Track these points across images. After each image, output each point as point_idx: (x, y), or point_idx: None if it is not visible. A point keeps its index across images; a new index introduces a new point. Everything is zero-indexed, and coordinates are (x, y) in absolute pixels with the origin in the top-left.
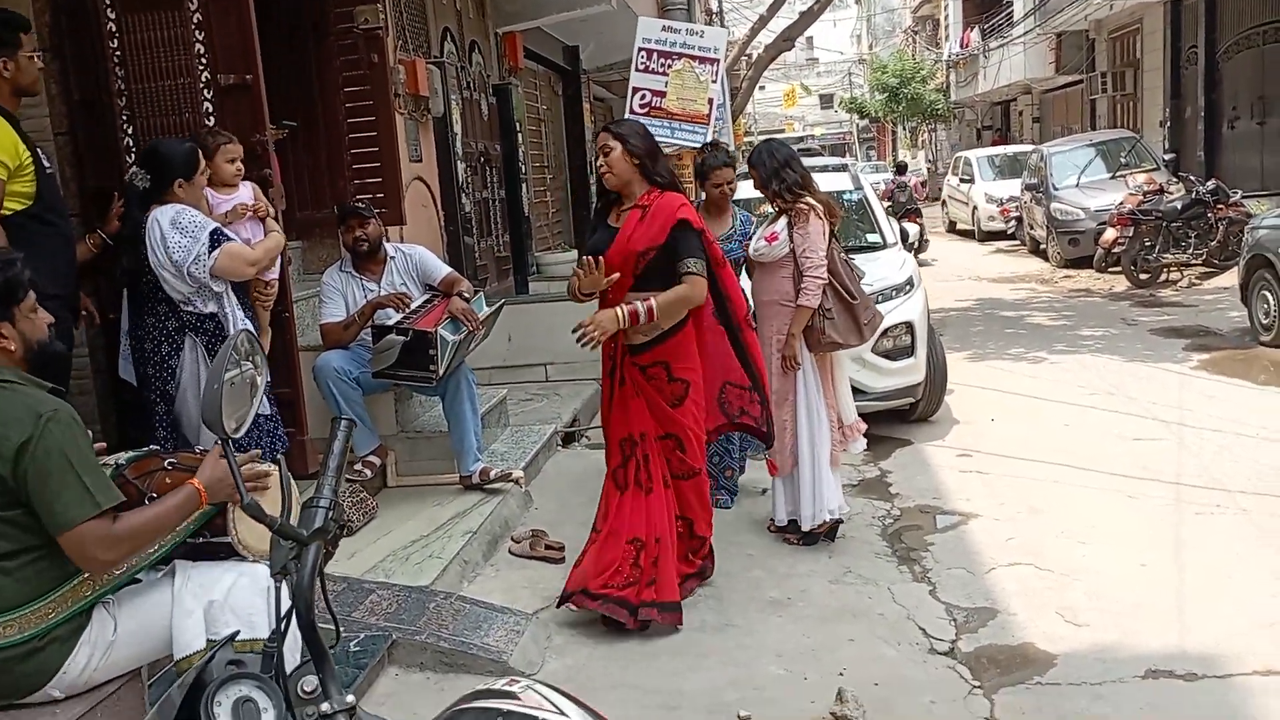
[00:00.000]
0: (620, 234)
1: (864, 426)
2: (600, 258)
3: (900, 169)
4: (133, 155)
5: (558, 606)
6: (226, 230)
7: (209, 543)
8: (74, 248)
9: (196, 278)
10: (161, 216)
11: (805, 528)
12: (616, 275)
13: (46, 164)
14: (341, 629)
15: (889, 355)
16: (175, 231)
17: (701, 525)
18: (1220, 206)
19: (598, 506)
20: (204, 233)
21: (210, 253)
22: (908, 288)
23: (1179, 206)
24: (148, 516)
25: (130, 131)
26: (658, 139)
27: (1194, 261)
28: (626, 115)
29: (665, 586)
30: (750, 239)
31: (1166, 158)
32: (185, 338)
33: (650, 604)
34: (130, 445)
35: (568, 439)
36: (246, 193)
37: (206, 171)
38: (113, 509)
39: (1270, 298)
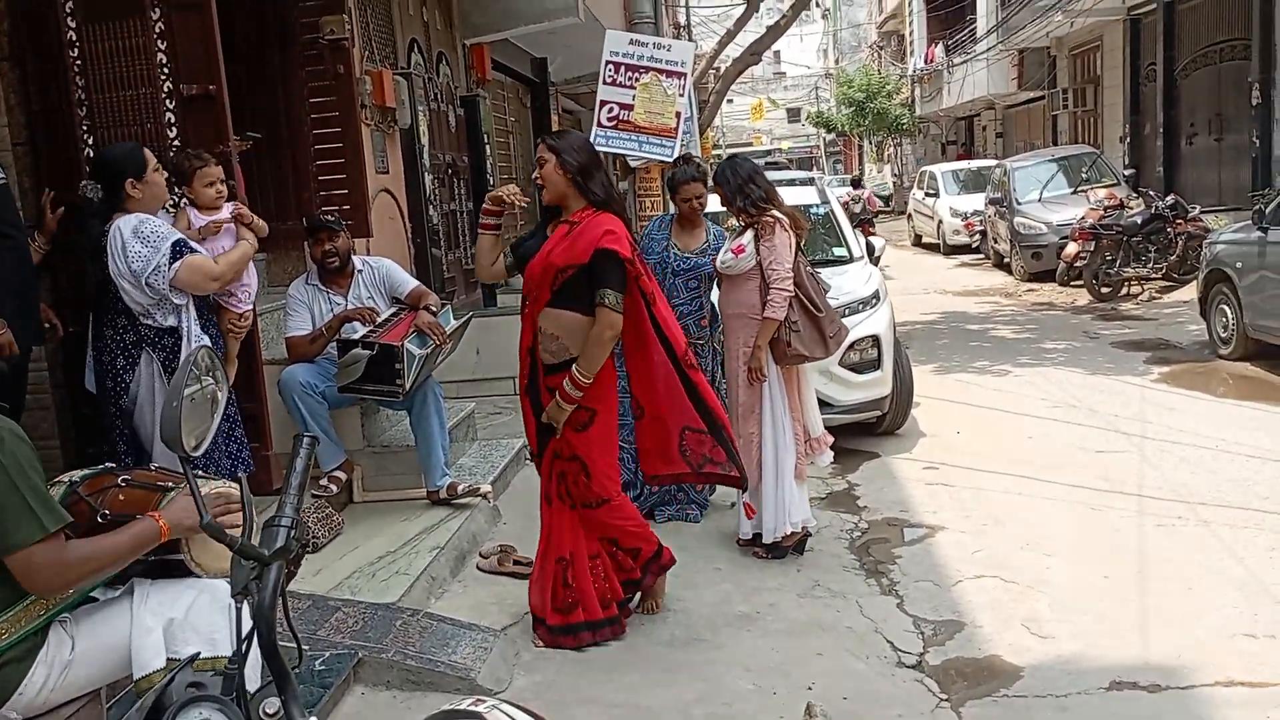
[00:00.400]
0: (544, 245)
1: (831, 439)
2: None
3: (855, 183)
4: (92, 165)
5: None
6: (194, 244)
7: (166, 560)
8: (29, 260)
9: (156, 289)
10: (124, 225)
11: (767, 540)
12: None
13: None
14: (305, 649)
15: (856, 368)
16: (136, 240)
17: (629, 540)
18: (1179, 221)
19: None
20: (165, 243)
21: (171, 264)
22: (874, 301)
23: (1139, 221)
24: (101, 546)
25: (90, 142)
26: (625, 152)
27: (1154, 276)
28: (594, 127)
29: (588, 604)
30: (717, 248)
31: (1127, 173)
32: (142, 352)
33: (580, 625)
34: (89, 461)
35: None
36: (227, 213)
37: (159, 170)
38: (62, 530)
39: (1228, 312)
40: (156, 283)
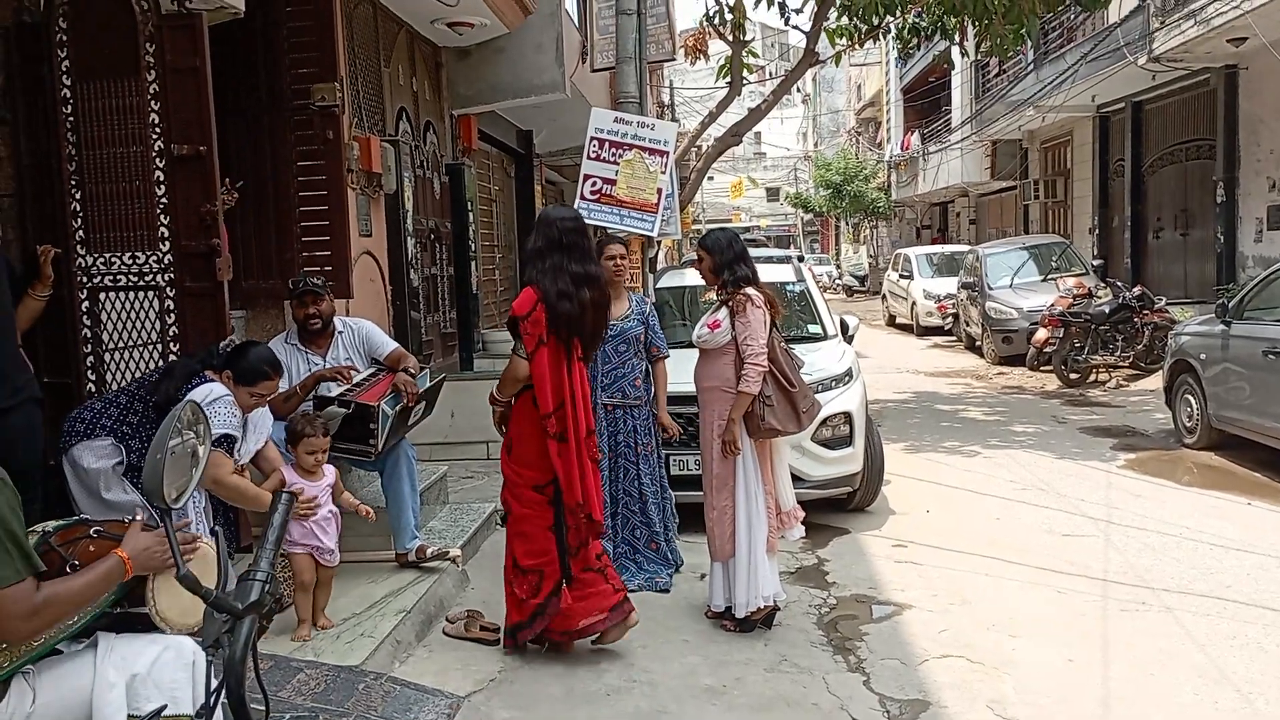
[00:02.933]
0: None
1: (802, 514)
2: None
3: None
4: (78, 220)
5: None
6: (240, 442)
7: (130, 614)
8: (8, 309)
9: None
10: (203, 393)
11: (739, 614)
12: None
13: None
14: (270, 707)
15: (828, 444)
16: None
17: (521, 558)
18: (1146, 312)
19: None
20: (218, 425)
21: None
22: (847, 379)
23: (1106, 310)
24: (71, 587)
25: (79, 197)
26: (607, 225)
27: (1121, 364)
28: (577, 200)
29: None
30: (647, 318)
31: (1095, 263)
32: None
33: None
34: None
35: (506, 518)
36: (328, 479)
37: (258, 399)
38: (35, 577)
39: (1193, 401)
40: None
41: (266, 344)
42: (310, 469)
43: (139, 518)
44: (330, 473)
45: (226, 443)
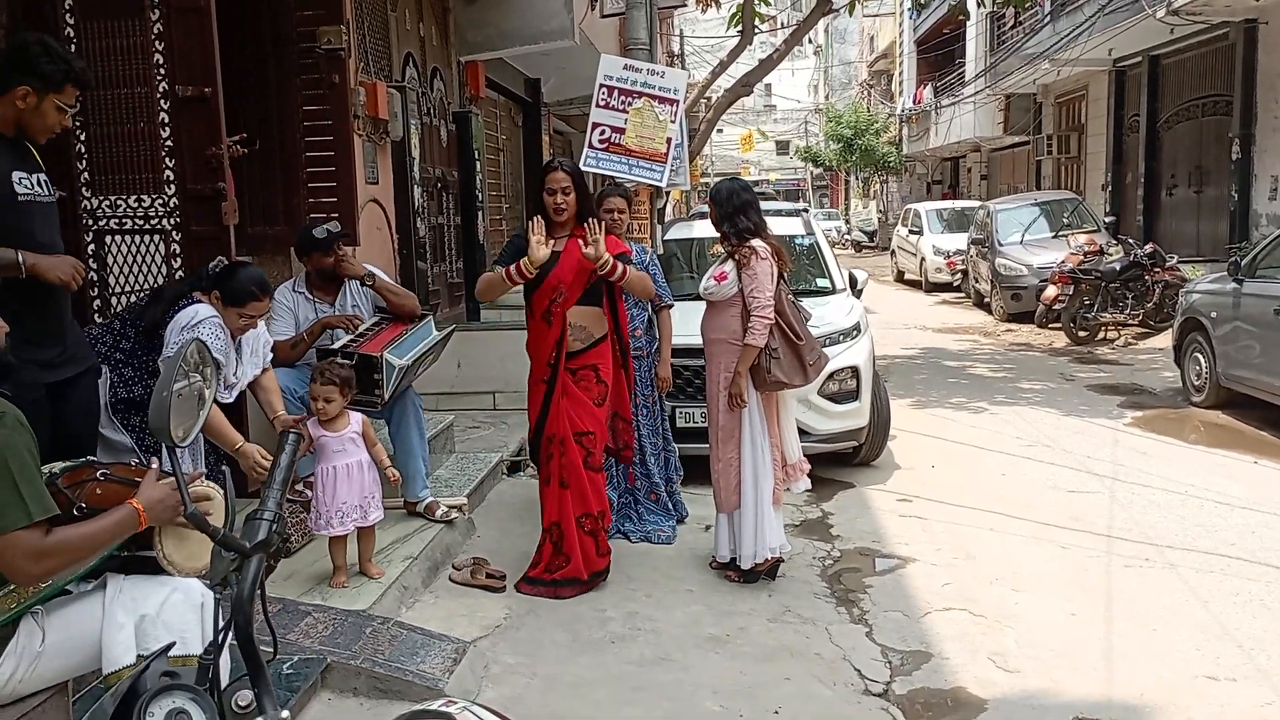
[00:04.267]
0: (568, 257)
1: (808, 466)
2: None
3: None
4: (83, 162)
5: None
6: (235, 365)
7: (139, 556)
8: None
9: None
10: (188, 316)
11: (745, 565)
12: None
13: None
14: (279, 643)
15: (834, 398)
16: (189, 331)
17: (607, 513)
18: (1157, 270)
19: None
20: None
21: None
22: (855, 333)
23: (1117, 268)
24: (82, 533)
25: (83, 138)
26: (615, 174)
27: (1130, 322)
28: (585, 149)
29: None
30: (647, 267)
31: (1107, 220)
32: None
33: (565, 581)
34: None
35: (513, 468)
36: (353, 428)
37: (249, 319)
38: (46, 521)
39: (1202, 360)
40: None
41: (255, 265)
42: (320, 416)
43: (153, 465)
44: (356, 421)
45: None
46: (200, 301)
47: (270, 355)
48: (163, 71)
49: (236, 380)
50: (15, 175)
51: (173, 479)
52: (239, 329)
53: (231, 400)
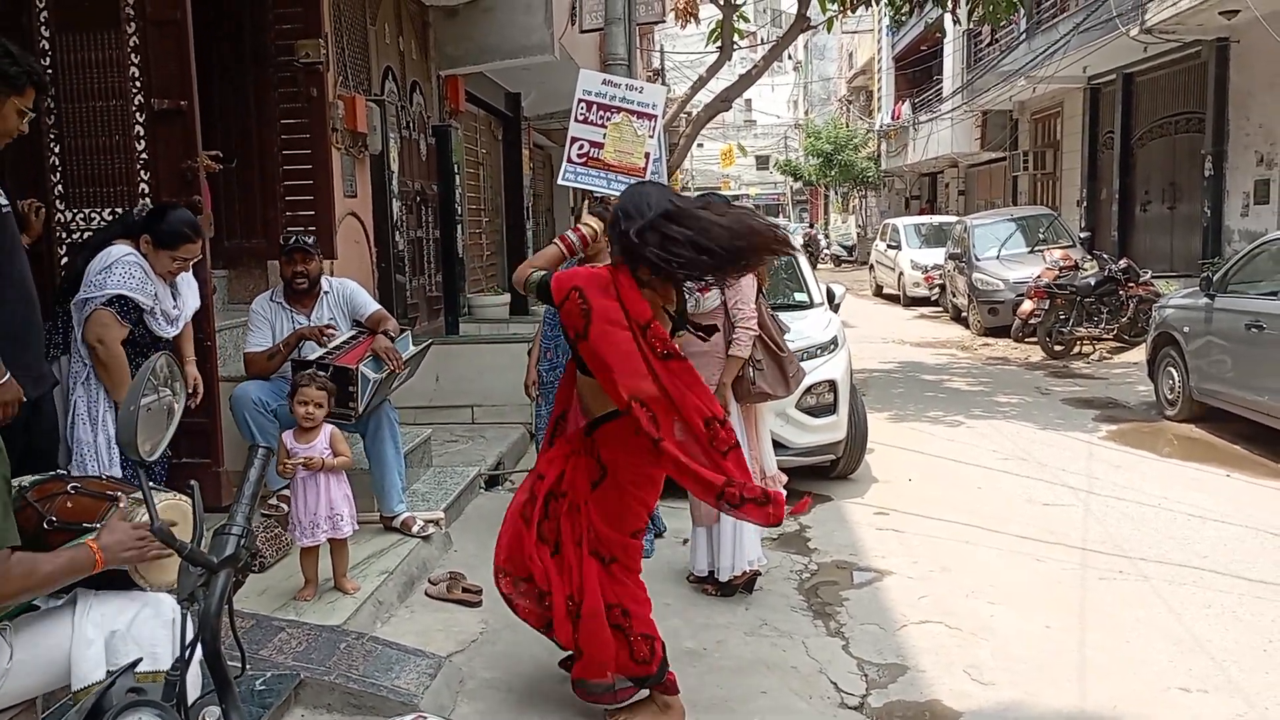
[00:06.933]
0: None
1: (784, 478)
2: None
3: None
4: (57, 175)
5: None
6: (169, 308)
7: (109, 571)
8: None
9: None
10: (113, 253)
11: (723, 578)
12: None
13: None
14: (248, 662)
15: (812, 412)
16: (103, 271)
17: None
18: (1131, 285)
19: None
20: (112, 286)
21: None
22: (832, 347)
23: (1092, 283)
24: (39, 569)
25: (57, 150)
26: (594, 188)
27: (1105, 336)
28: (564, 164)
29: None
30: None
31: (1082, 235)
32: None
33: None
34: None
35: (491, 482)
36: (321, 440)
37: (180, 264)
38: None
39: (1175, 374)
40: (77, 313)
41: (185, 208)
42: (301, 419)
43: (121, 504)
44: (325, 433)
45: (119, 303)
46: (120, 244)
47: (197, 295)
48: (138, 84)
49: (179, 312)
50: None
51: (139, 524)
52: (171, 272)
53: (178, 333)
